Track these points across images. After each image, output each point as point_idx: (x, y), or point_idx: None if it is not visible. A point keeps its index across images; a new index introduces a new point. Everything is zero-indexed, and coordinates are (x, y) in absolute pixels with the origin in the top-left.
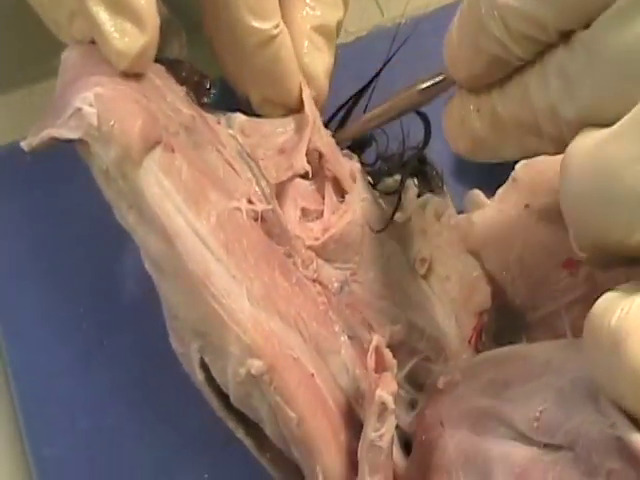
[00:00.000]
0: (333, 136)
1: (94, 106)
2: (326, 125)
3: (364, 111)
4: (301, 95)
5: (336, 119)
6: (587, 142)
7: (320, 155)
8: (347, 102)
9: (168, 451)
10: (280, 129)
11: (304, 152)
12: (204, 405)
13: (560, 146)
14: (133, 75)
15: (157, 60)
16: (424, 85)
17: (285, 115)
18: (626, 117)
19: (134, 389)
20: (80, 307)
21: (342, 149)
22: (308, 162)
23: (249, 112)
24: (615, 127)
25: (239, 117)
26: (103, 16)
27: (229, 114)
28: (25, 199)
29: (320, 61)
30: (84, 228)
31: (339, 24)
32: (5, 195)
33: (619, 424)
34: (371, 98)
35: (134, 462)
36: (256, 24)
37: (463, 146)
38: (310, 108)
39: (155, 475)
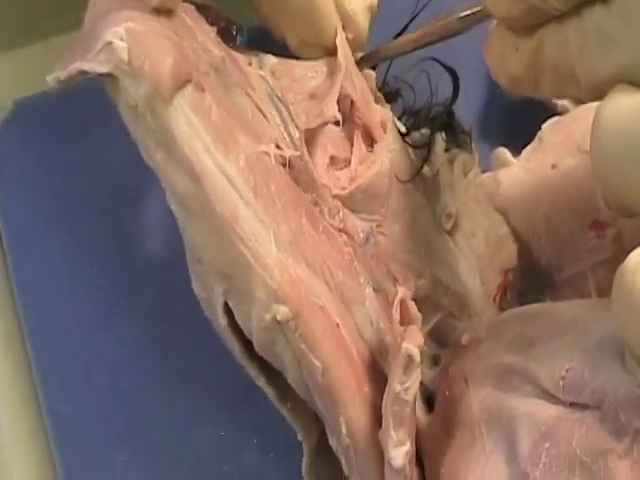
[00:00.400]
0: (361, 60)
1: (125, 40)
2: None
3: (388, 67)
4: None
5: None
6: (620, 102)
7: (352, 102)
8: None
9: (184, 409)
10: (311, 73)
11: (335, 99)
12: (221, 363)
13: (597, 97)
14: (165, 12)
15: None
16: (463, 14)
17: (323, 56)
18: None
19: (151, 347)
20: (96, 265)
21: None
22: (339, 109)
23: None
24: None
25: (271, 59)
26: None
27: (261, 55)
28: (43, 152)
29: (359, 1)
30: (102, 184)
31: None
32: (23, 148)
33: None
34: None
35: (150, 419)
36: None
37: (503, 80)
38: (343, 53)
39: (172, 433)
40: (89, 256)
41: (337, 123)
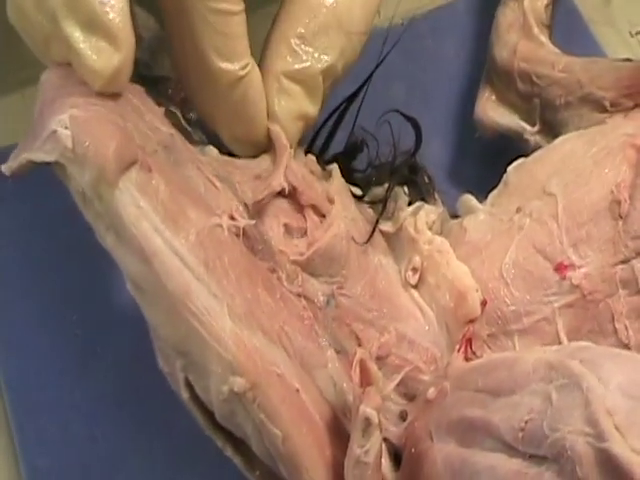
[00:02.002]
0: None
1: (69, 128)
2: (318, 131)
3: (357, 113)
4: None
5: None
6: None
7: (294, 188)
8: (341, 104)
9: (163, 459)
10: (253, 165)
11: (282, 174)
12: None
13: None
14: (110, 95)
15: (144, 76)
16: None
17: (255, 155)
18: None
19: (128, 397)
20: (73, 314)
21: (325, 166)
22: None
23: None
24: None
25: (212, 150)
26: (77, 36)
27: (202, 147)
28: (15, 207)
29: (288, 108)
30: (75, 235)
31: (328, 70)
32: None
33: (606, 434)
34: (366, 101)
35: (129, 471)
36: (223, 65)
37: None
38: (284, 141)
39: None
40: (65, 307)
41: (287, 196)
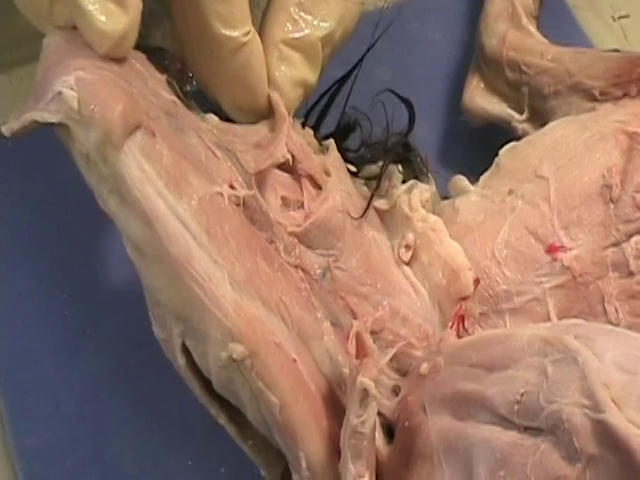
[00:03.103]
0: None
1: (75, 90)
2: (309, 111)
3: (348, 94)
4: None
5: (319, 105)
6: None
7: (293, 157)
8: (330, 88)
9: (152, 438)
10: (252, 132)
11: (284, 142)
12: (189, 392)
13: None
14: (115, 60)
15: (139, 48)
16: None
17: (255, 121)
18: None
19: (117, 376)
20: (63, 294)
21: (320, 141)
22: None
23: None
24: None
25: (212, 118)
26: None
27: (202, 114)
28: (9, 183)
29: (288, 74)
30: (67, 214)
31: (327, 38)
32: None
33: (603, 406)
34: (354, 84)
35: (118, 450)
36: (226, 32)
37: None
38: (283, 110)
39: (139, 462)
40: (55, 286)
41: (286, 167)
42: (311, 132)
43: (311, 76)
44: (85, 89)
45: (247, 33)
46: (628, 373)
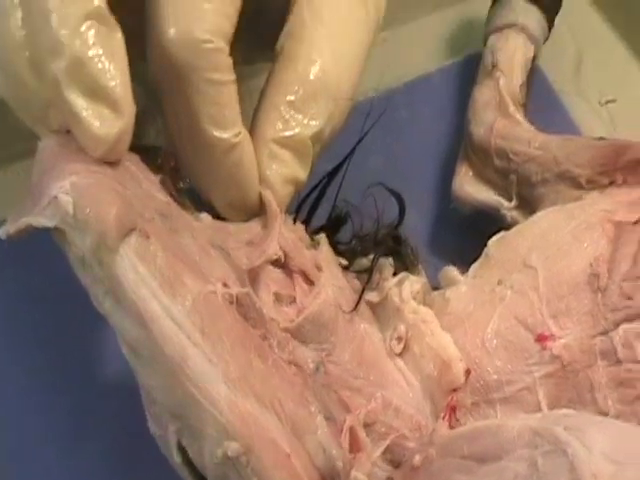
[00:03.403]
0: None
1: (70, 194)
2: (300, 205)
3: (339, 186)
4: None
5: (310, 199)
6: None
7: (285, 253)
8: (321, 181)
9: None
10: (245, 230)
11: (276, 240)
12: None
13: None
14: (109, 163)
15: (133, 147)
16: None
17: (247, 220)
18: None
19: (113, 466)
20: (61, 385)
21: (312, 236)
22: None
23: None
24: None
25: (206, 217)
26: (80, 102)
27: (196, 213)
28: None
29: (279, 172)
30: (64, 305)
31: (317, 135)
32: None
33: None
34: (346, 175)
35: None
36: (217, 133)
37: None
38: (275, 208)
39: None
40: (53, 379)
41: (279, 262)
42: (302, 227)
43: (302, 173)
44: (80, 194)
45: (238, 134)
46: (616, 463)
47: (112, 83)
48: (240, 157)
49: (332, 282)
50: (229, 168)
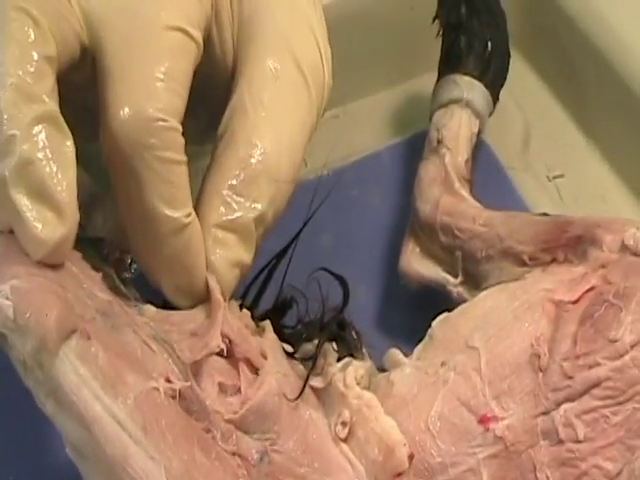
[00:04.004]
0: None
1: (10, 299)
2: (248, 287)
3: (286, 269)
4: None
5: (259, 279)
6: None
7: (230, 341)
8: (270, 262)
9: None
10: (189, 320)
11: (218, 331)
12: None
13: None
14: (50, 265)
15: (78, 238)
16: None
17: (194, 305)
18: None
19: None
20: (10, 475)
21: (257, 322)
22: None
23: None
24: None
25: (150, 309)
26: (25, 202)
27: (140, 305)
28: None
29: (223, 257)
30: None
31: (260, 218)
32: None
33: None
34: (293, 254)
35: None
36: (168, 212)
37: None
38: (218, 296)
39: None
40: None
41: (222, 354)
42: (248, 314)
43: (246, 257)
44: (20, 298)
45: (189, 214)
46: None
47: (59, 188)
48: (189, 239)
49: (276, 370)
50: (178, 250)
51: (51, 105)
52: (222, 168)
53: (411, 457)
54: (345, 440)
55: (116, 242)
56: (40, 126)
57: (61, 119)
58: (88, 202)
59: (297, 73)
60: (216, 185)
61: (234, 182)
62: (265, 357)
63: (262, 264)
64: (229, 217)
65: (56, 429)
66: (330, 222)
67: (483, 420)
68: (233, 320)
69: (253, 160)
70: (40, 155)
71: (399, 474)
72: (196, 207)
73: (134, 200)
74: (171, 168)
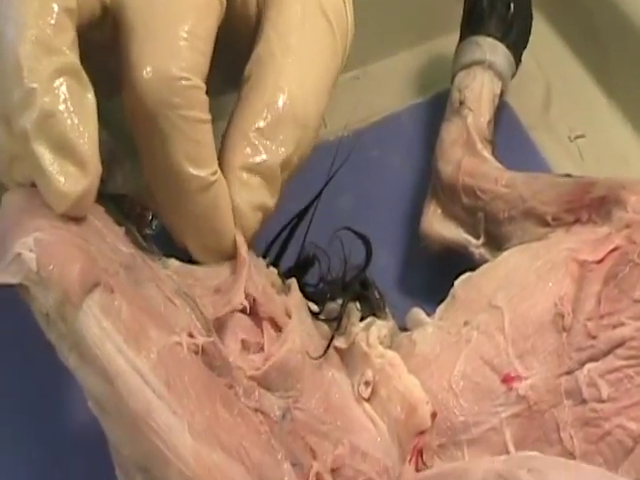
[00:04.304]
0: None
1: (34, 251)
2: (269, 246)
3: (307, 228)
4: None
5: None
6: None
7: (254, 300)
8: (290, 222)
9: None
10: (213, 275)
11: (242, 289)
12: None
13: None
14: (73, 218)
15: (99, 195)
16: None
17: (219, 263)
18: None
19: None
20: (30, 436)
21: (284, 279)
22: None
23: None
24: None
25: (174, 262)
26: (47, 156)
27: (164, 258)
28: None
29: (248, 200)
30: (33, 354)
31: (285, 162)
32: None
33: None
34: (315, 215)
35: None
36: (194, 171)
37: None
38: (244, 254)
39: None
40: (22, 428)
41: (245, 311)
42: (275, 271)
43: (270, 201)
44: (43, 250)
45: (215, 172)
46: None
47: (80, 141)
48: (216, 197)
49: (300, 329)
50: (204, 208)
51: (72, 57)
52: (248, 112)
53: (434, 415)
54: (368, 400)
55: (137, 199)
56: (61, 79)
57: (82, 72)
58: (109, 159)
59: (322, 18)
60: (242, 128)
61: (261, 125)
62: (289, 316)
63: (283, 224)
64: (255, 160)
65: (77, 385)
66: (350, 183)
67: (506, 379)
68: (258, 278)
69: (280, 104)
70: (61, 108)
71: (422, 432)
72: (221, 151)
73: (159, 160)
74: (196, 127)
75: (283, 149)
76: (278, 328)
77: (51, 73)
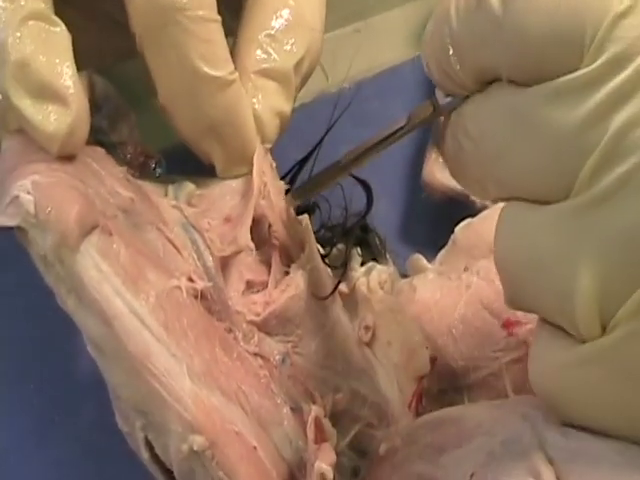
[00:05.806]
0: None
1: (31, 193)
2: None
3: (309, 176)
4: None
5: None
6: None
7: (269, 225)
8: (291, 169)
9: None
10: (229, 195)
11: (248, 226)
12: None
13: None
14: (70, 160)
15: (101, 143)
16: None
17: (247, 174)
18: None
19: (85, 465)
20: (30, 383)
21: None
22: (255, 232)
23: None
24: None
25: (188, 186)
26: (27, 104)
27: (177, 183)
28: None
29: (265, 105)
30: (34, 302)
31: (298, 66)
32: None
33: None
34: (315, 164)
35: None
36: (211, 72)
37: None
38: (259, 172)
39: None
40: (22, 375)
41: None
42: (292, 200)
43: (286, 106)
44: (41, 193)
45: (233, 72)
46: (570, 451)
47: (57, 78)
48: (236, 96)
49: (310, 264)
50: (226, 109)
51: (37, 2)
52: (257, 19)
53: (433, 360)
54: (368, 344)
55: (140, 147)
56: (29, 23)
57: (52, 14)
58: (113, 112)
59: None
60: (252, 34)
61: (271, 31)
62: (303, 249)
63: (284, 173)
64: (270, 64)
65: (76, 333)
66: (351, 135)
67: (506, 324)
68: (276, 198)
69: (288, 9)
70: (29, 50)
71: (421, 377)
72: (234, 61)
73: (176, 71)
74: (207, 26)
75: (296, 51)
76: (288, 261)
77: (20, 20)
